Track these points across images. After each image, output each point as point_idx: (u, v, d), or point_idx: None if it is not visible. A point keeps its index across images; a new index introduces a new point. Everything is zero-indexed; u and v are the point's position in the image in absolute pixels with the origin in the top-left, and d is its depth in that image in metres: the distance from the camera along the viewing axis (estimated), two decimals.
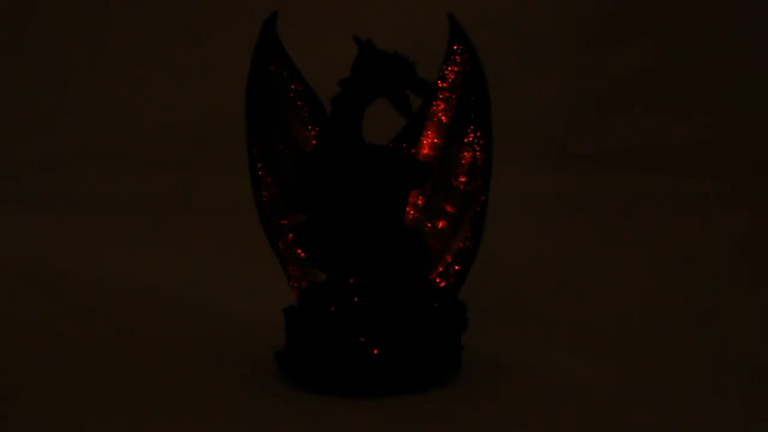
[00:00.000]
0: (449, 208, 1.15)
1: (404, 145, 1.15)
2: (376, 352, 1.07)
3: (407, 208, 1.14)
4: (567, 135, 1.91)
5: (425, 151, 1.15)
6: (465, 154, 1.14)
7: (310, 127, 1.15)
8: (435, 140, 1.14)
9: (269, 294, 1.23)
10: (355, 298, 1.09)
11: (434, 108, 1.14)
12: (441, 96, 1.14)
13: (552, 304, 1.34)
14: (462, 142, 1.14)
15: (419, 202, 1.15)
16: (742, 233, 1.62)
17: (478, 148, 1.13)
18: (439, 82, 1.14)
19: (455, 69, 1.13)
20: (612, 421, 1.03)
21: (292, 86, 1.15)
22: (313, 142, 1.14)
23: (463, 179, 1.14)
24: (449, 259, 1.14)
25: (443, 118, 1.14)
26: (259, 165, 1.15)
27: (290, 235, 1.15)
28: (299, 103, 1.15)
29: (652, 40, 1.96)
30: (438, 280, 1.14)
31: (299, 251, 1.15)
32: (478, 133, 1.13)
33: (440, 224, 1.15)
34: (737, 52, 1.95)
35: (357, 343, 1.07)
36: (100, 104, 1.94)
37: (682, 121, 1.92)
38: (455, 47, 1.13)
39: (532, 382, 1.11)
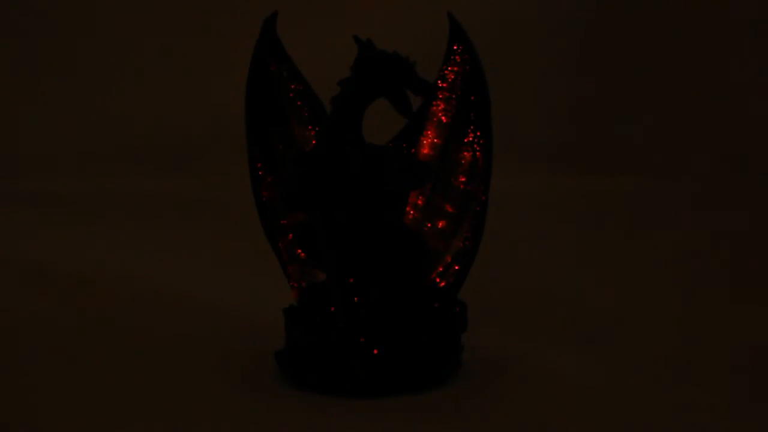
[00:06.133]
0: (449, 208, 1.15)
1: (404, 145, 1.15)
2: (376, 352, 1.07)
3: (407, 208, 1.14)
4: (567, 135, 1.91)
5: (425, 151, 1.15)
6: (465, 154, 1.14)
7: (310, 127, 1.15)
8: (435, 140, 1.14)
9: (269, 294, 1.23)
10: (355, 298, 1.09)
11: (434, 108, 1.14)
12: (441, 96, 1.14)
13: (552, 304, 1.34)
14: (462, 142, 1.14)
15: (419, 202, 1.15)
16: (740, 233, 1.62)
17: (478, 148, 1.13)
18: (439, 82, 1.14)
19: (455, 69, 1.13)
20: (612, 420, 1.03)
21: (292, 86, 1.15)
22: (313, 142, 1.14)
23: (463, 179, 1.14)
24: (449, 259, 1.14)
25: (443, 118, 1.14)
26: (259, 165, 1.15)
27: (290, 235, 1.15)
28: (299, 103, 1.15)
29: (650, 40, 1.96)
30: (438, 280, 1.14)
31: (299, 251, 1.15)
32: (478, 133, 1.13)
33: (440, 224, 1.15)
34: (735, 53, 1.95)
35: (357, 343, 1.07)
36: (100, 104, 1.95)
37: (682, 122, 1.92)
38: (455, 47, 1.13)
39: (532, 382, 1.11)
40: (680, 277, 1.45)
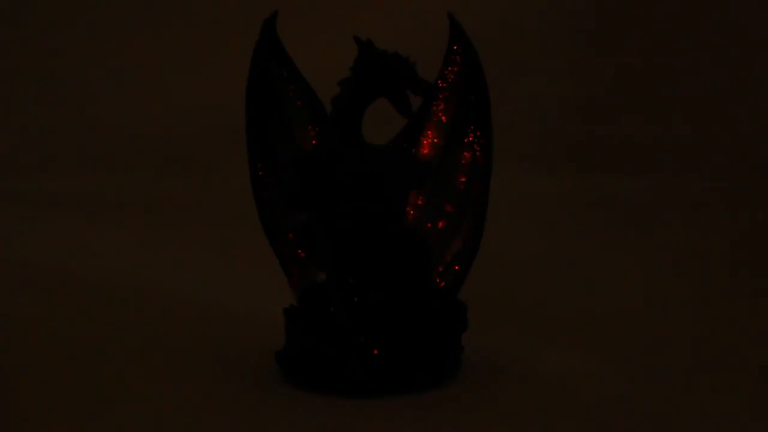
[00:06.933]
0: (449, 208, 1.15)
1: (404, 145, 1.14)
2: (376, 352, 1.07)
3: (407, 208, 1.14)
4: (567, 135, 1.91)
5: (425, 151, 1.15)
6: (465, 154, 1.14)
7: (310, 127, 1.15)
8: (435, 140, 1.14)
9: (269, 294, 1.23)
10: (355, 298, 1.09)
11: (434, 108, 1.14)
12: (441, 96, 1.14)
13: (552, 304, 1.34)
14: (462, 142, 1.14)
15: (419, 202, 1.15)
16: (741, 233, 1.62)
17: (478, 148, 1.13)
18: (439, 82, 1.14)
19: (455, 69, 1.13)
20: (612, 421, 1.03)
21: (292, 86, 1.15)
22: (313, 142, 1.14)
23: (463, 179, 1.14)
24: (449, 259, 1.14)
25: (443, 118, 1.14)
26: (259, 165, 1.15)
27: (290, 235, 1.15)
28: (299, 103, 1.15)
29: (650, 40, 1.96)
30: (438, 280, 1.14)
31: (299, 251, 1.15)
32: (478, 133, 1.13)
33: (440, 224, 1.15)
34: (733, 52, 1.95)
35: (357, 343, 1.07)
36: (100, 104, 1.95)
37: (680, 122, 1.92)
38: (455, 47, 1.13)
39: (532, 382, 1.11)
40: (683, 277, 1.45)
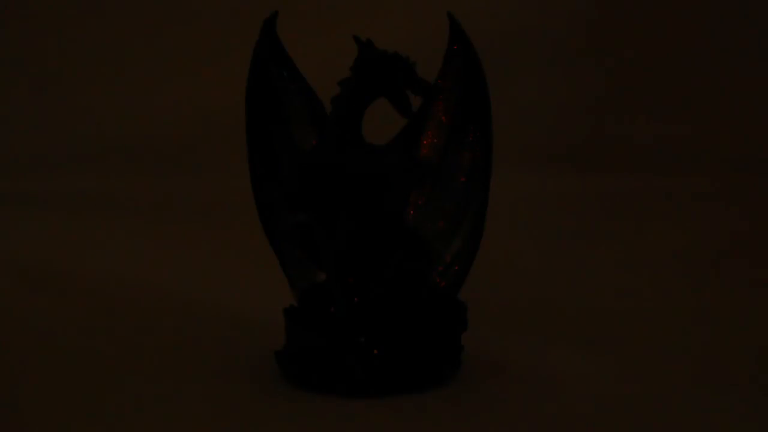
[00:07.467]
0: (449, 208, 1.15)
1: (404, 145, 1.14)
2: (376, 352, 1.07)
3: (407, 208, 1.14)
4: (567, 135, 1.91)
5: (425, 151, 1.14)
6: (465, 154, 1.14)
7: (310, 127, 1.15)
8: (435, 140, 1.14)
9: (269, 294, 1.23)
10: (355, 298, 1.09)
11: (434, 108, 1.14)
12: (441, 96, 1.14)
13: (552, 304, 1.34)
14: (462, 142, 1.14)
15: (419, 202, 1.15)
16: (741, 232, 1.62)
17: (478, 148, 1.13)
18: (439, 81, 1.14)
19: (455, 69, 1.13)
20: (612, 420, 1.03)
21: (292, 86, 1.15)
22: (314, 142, 1.14)
23: (463, 179, 1.14)
24: (449, 259, 1.14)
25: (443, 118, 1.14)
26: (259, 165, 1.15)
27: (290, 235, 1.15)
28: (299, 103, 1.15)
29: (649, 40, 1.96)
30: (438, 280, 1.14)
31: (299, 251, 1.15)
32: (478, 133, 1.13)
33: (440, 224, 1.15)
34: (733, 52, 1.95)
35: (357, 343, 1.07)
36: (101, 105, 1.95)
37: (680, 122, 1.92)
38: (455, 47, 1.13)
39: (532, 382, 1.11)
40: (683, 277, 1.45)
